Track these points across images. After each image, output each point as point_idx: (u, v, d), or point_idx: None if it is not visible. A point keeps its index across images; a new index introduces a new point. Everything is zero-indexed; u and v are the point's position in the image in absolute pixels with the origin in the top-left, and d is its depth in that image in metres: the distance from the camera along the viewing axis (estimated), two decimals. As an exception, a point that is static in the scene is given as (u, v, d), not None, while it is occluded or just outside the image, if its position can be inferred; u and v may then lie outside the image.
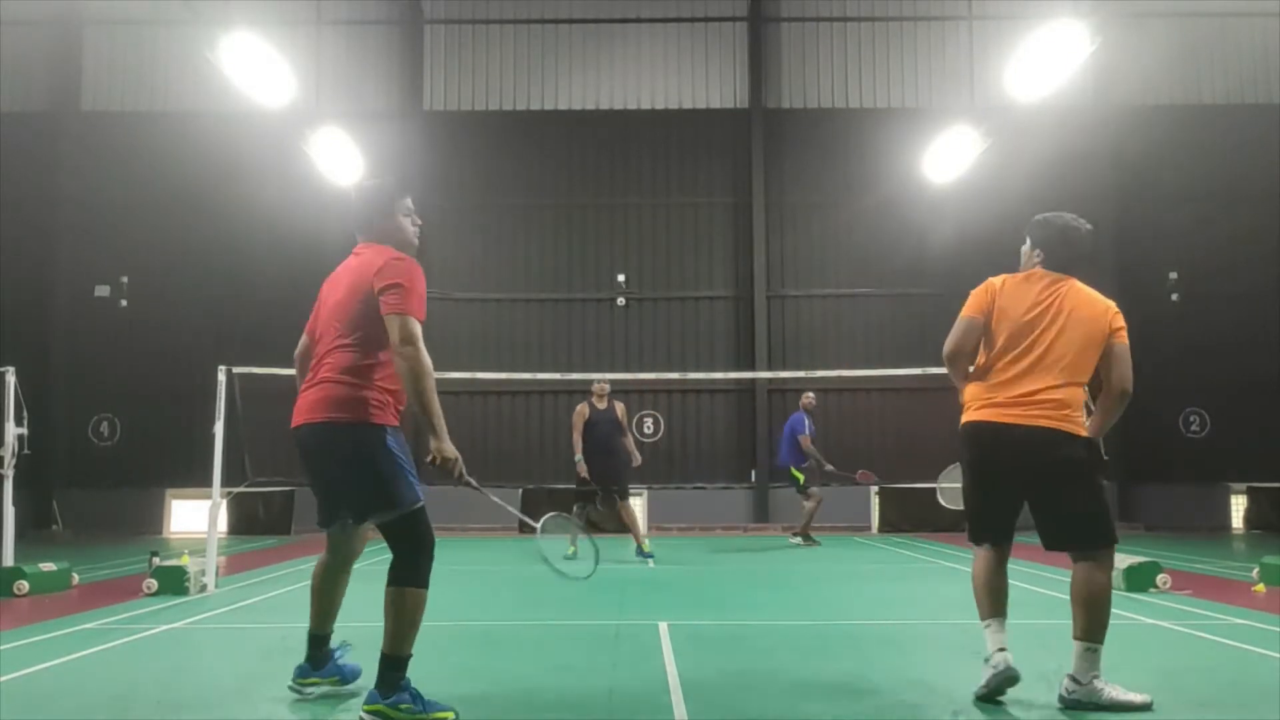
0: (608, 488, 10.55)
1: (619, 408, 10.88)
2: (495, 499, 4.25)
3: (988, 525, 3.85)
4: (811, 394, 13.12)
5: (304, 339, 3.91)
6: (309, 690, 3.87)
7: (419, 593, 3.47)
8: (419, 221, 3.96)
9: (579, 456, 10.56)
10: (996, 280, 3.94)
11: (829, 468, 12.46)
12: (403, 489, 3.51)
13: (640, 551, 10.61)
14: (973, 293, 3.95)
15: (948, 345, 3.92)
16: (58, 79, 18.50)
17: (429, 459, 3.53)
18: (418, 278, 3.53)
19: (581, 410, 10.80)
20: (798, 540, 12.89)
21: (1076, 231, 4.03)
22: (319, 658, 3.91)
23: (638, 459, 10.94)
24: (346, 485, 3.57)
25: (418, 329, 3.44)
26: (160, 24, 18.05)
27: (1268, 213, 17.56)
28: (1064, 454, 3.65)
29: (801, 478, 12.60)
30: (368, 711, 3.39)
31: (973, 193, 16.99)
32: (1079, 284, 3.87)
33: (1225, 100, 18.57)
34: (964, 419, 3.86)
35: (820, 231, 18.46)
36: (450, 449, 3.54)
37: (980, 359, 3.92)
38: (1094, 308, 3.81)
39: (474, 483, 3.73)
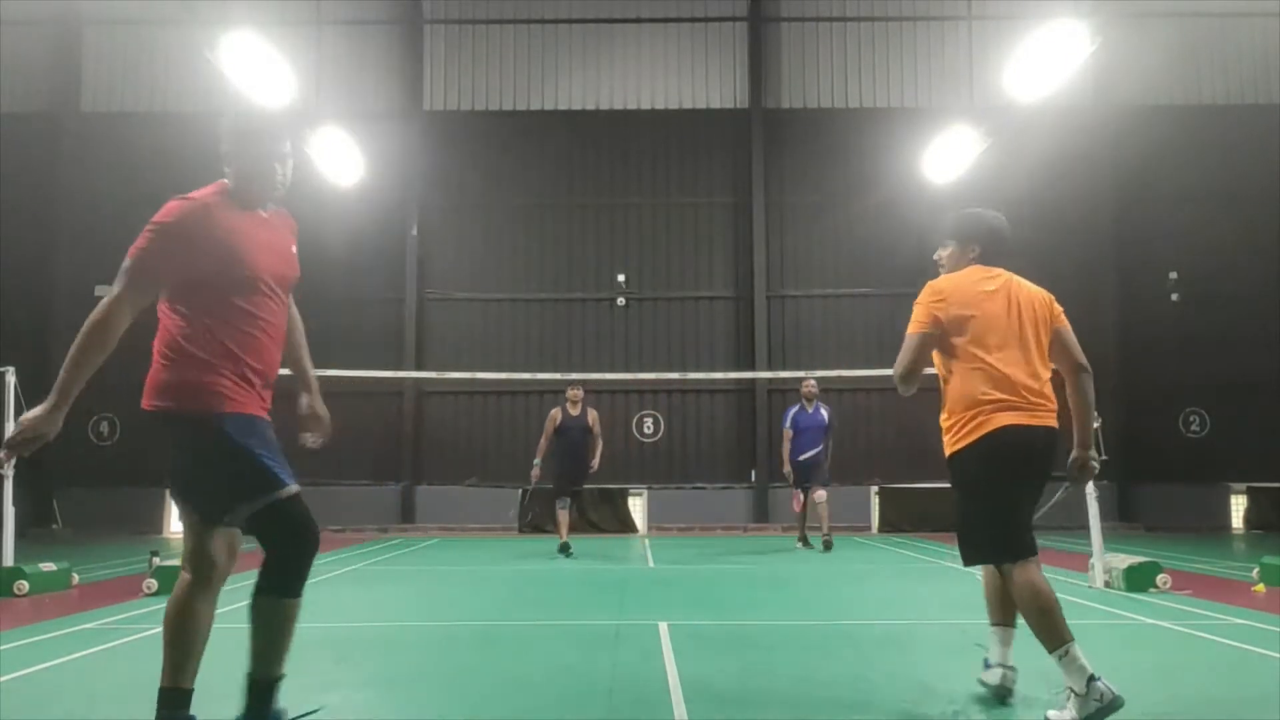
0: (575, 490, 11.13)
1: (591, 414, 11.13)
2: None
3: (1026, 537, 3.49)
4: (813, 381, 12.46)
5: None
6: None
7: (286, 603, 3.10)
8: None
9: (538, 460, 11.01)
10: (939, 283, 3.71)
11: (785, 469, 11.96)
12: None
13: (564, 549, 10.96)
14: (917, 305, 3.66)
15: (901, 365, 3.60)
16: (58, 79, 18.51)
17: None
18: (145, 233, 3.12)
19: (555, 415, 11.11)
20: (798, 545, 12.42)
21: (1005, 225, 3.98)
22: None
23: (595, 467, 11.20)
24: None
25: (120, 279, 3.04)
26: (160, 24, 18.05)
27: (1268, 213, 17.56)
28: (1053, 453, 3.64)
29: (790, 474, 12.08)
30: None
31: (973, 193, 16.95)
32: (1015, 275, 3.77)
33: (1225, 100, 18.58)
34: (984, 426, 3.47)
35: (820, 231, 18.46)
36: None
37: (945, 365, 3.67)
38: (1038, 296, 3.68)
39: None
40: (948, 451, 3.67)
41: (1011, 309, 3.58)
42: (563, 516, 11.11)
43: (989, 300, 3.59)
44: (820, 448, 11.86)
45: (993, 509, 3.51)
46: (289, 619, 3.03)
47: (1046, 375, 3.59)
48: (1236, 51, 18.67)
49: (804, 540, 12.28)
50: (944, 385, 3.70)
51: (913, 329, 3.62)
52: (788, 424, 12.00)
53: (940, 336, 3.60)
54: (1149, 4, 17.73)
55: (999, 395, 3.49)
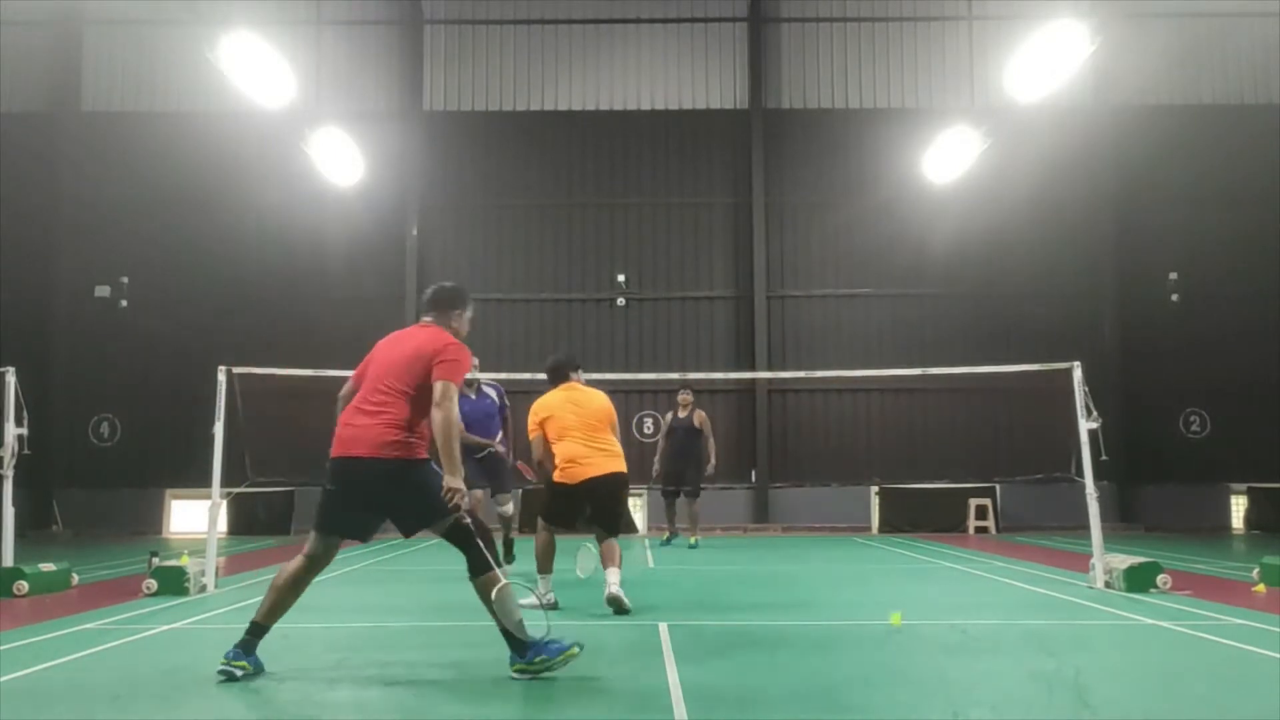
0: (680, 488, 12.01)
1: (700, 415, 11.97)
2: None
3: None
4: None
5: (350, 384, 4.71)
6: (236, 670, 4.11)
7: (497, 577, 4.32)
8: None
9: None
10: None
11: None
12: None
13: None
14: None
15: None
16: (58, 79, 18.49)
17: (444, 493, 4.19)
18: (466, 357, 4.49)
19: (666, 419, 11.87)
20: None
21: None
22: (253, 645, 4.25)
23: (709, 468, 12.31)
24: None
25: (454, 393, 4.27)
26: (160, 24, 18.03)
27: (1268, 213, 17.55)
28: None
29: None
30: (517, 670, 4.16)
31: (973, 193, 16.99)
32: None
33: (1225, 100, 18.57)
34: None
35: (820, 231, 18.46)
36: (458, 483, 4.23)
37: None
38: None
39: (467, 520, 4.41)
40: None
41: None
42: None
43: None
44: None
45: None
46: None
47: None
48: (1236, 51, 18.66)
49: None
50: None
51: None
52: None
53: None
54: (1149, 4, 17.72)
55: None
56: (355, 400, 4.49)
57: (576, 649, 4.21)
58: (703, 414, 12.41)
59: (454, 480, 4.18)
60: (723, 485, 17.99)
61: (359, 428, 4.34)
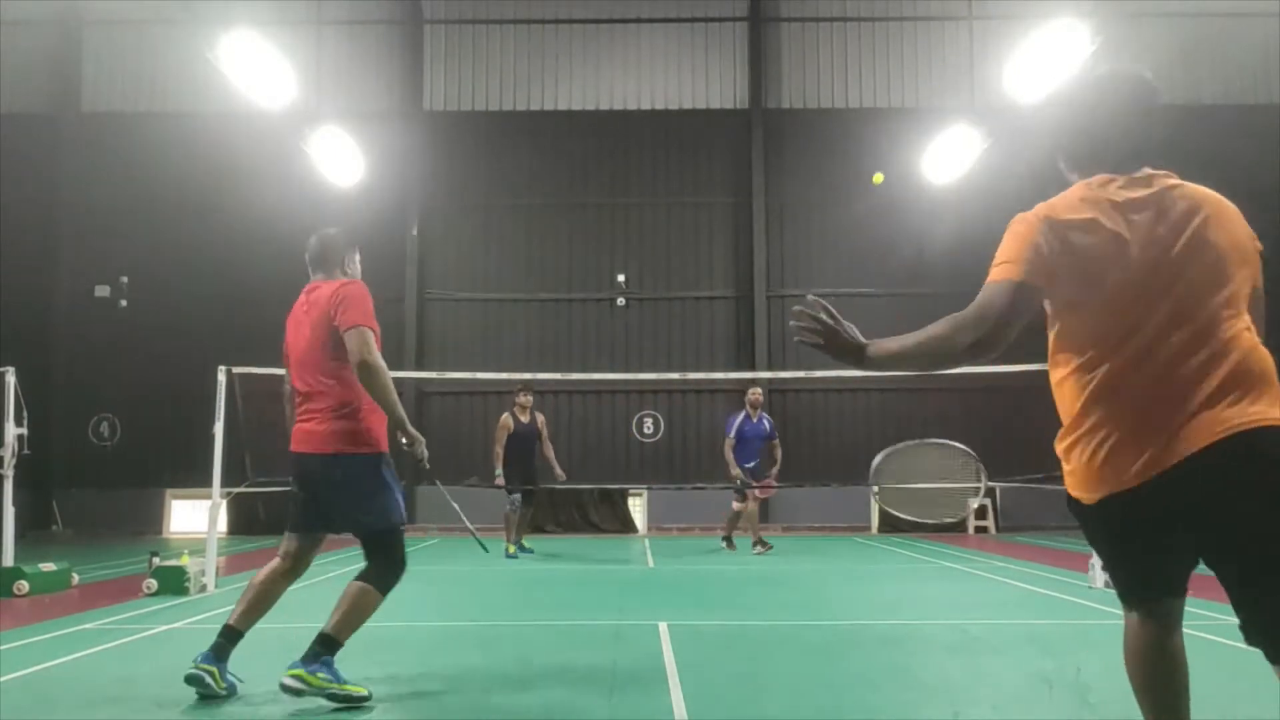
0: (529, 492, 11.35)
1: (540, 419, 11.53)
2: (453, 503, 4.81)
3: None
4: (759, 389, 12.24)
5: (288, 381, 4.33)
6: (205, 675, 3.87)
7: (379, 597, 3.93)
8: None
9: (499, 470, 11.13)
10: (1045, 209, 2.23)
11: (735, 471, 11.60)
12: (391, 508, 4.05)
13: (507, 553, 11.07)
14: (1010, 235, 2.28)
15: (974, 328, 2.17)
16: (58, 79, 18.50)
17: (405, 444, 4.11)
18: (365, 293, 4.00)
19: (506, 423, 11.30)
20: (723, 543, 12.20)
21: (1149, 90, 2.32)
22: (226, 651, 4.01)
23: (560, 474, 11.49)
24: (341, 505, 4.04)
25: (370, 337, 3.87)
26: (160, 24, 18.04)
27: (1268, 213, 17.48)
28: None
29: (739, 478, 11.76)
30: (290, 675, 3.75)
31: (973, 193, 16.98)
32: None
33: (1225, 100, 18.57)
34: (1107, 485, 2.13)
35: (820, 231, 18.46)
36: (414, 433, 4.16)
37: (1064, 353, 2.21)
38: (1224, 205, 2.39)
39: (426, 465, 4.32)
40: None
41: (1176, 242, 2.16)
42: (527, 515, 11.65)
43: (1143, 233, 2.14)
44: (759, 460, 11.93)
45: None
46: (370, 607, 3.98)
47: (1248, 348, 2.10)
48: (1236, 51, 18.66)
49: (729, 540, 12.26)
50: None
51: (1003, 274, 2.19)
52: (730, 432, 11.82)
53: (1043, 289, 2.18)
54: (1149, 4, 17.73)
55: (1149, 408, 2.12)
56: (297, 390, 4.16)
57: (366, 697, 3.82)
58: (542, 417, 11.75)
59: (409, 430, 4.09)
60: (723, 485, 18.00)
61: (303, 421, 4.09)
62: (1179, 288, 2.10)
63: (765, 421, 11.94)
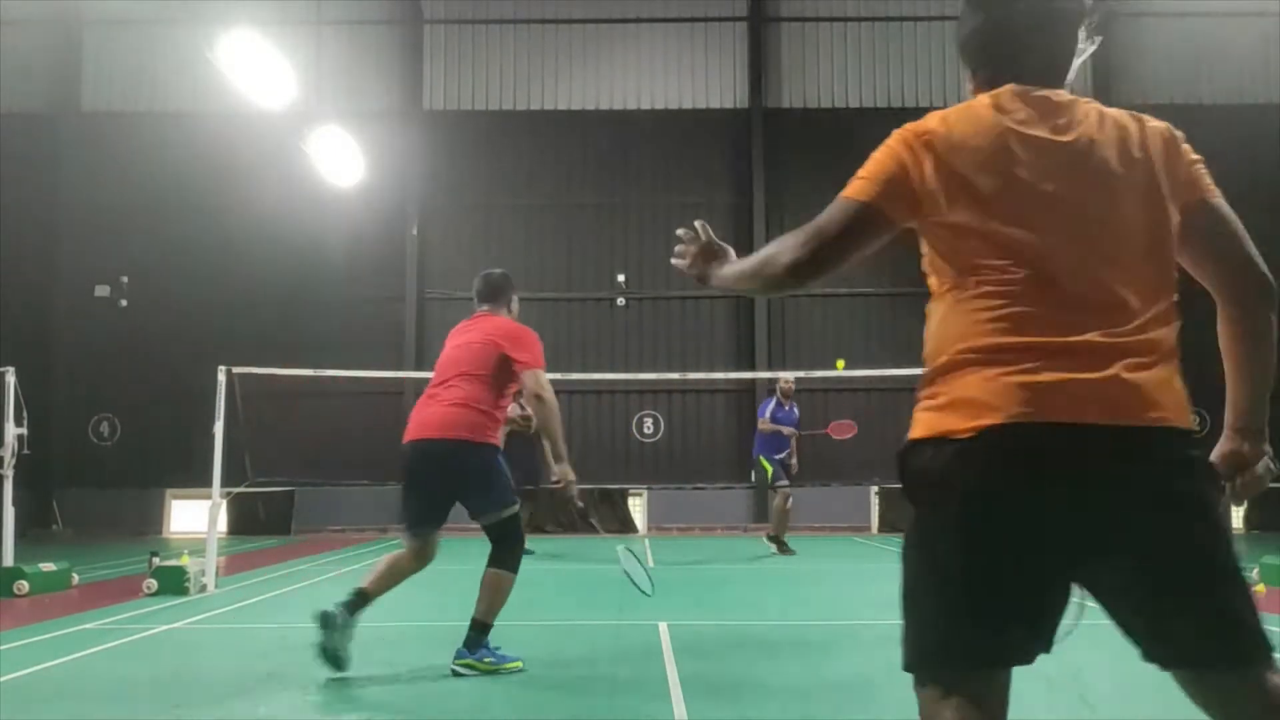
0: (528, 490, 11.36)
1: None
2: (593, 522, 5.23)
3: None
4: (790, 378, 11.81)
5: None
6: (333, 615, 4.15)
7: (511, 577, 4.45)
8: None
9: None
10: (931, 122, 1.80)
11: (788, 456, 11.26)
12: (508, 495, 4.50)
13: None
14: (880, 149, 1.95)
15: (798, 247, 1.90)
16: (58, 79, 18.50)
17: (554, 480, 4.46)
18: (537, 339, 4.63)
19: (512, 413, 11.16)
20: (772, 547, 11.15)
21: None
22: (357, 607, 4.26)
23: (555, 473, 11.30)
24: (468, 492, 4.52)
25: (545, 378, 4.47)
26: (160, 24, 18.04)
27: (1268, 213, 17.52)
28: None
29: (770, 470, 11.20)
30: (460, 665, 4.27)
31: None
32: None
33: (1225, 100, 18.57)
34: (971, 419, 1.57)
35: (820, 231, 18.44)
36: (570, 472, 4.45)
37: (943, 278, 1.85)
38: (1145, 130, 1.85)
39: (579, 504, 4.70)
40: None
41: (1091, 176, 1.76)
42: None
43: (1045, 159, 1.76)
44: (790, 449, 11.44)
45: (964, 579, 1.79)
46: (507, 588, 4.52)
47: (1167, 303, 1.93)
48: (1236, 51, 18.66)
49: (783, 544, 11.23)
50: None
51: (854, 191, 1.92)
52: (765, 414, 11.38)
53: (901, 212, 1.85)
54: (1149, 4, 17.72)
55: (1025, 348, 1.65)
56: (425, 392, 4.64)
57: (520, 664, 4.35)
58: None
59: (563, 469, 4.42)
60: (723, 485, 18.02)
61: (426, 412, 4.52)
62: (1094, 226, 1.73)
63: (795, 410, 11.66)
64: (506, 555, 4.45)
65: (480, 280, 4.95)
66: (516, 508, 4.51)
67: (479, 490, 4.46)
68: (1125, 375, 1.70)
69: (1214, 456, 1.87)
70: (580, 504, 4.73)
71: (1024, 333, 1.61)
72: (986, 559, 1.50)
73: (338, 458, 16.89)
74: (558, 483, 4.43)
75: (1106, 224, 1.71)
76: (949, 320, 1.75)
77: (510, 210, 18.63)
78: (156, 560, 7.68)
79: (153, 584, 7.24)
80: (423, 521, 4.53)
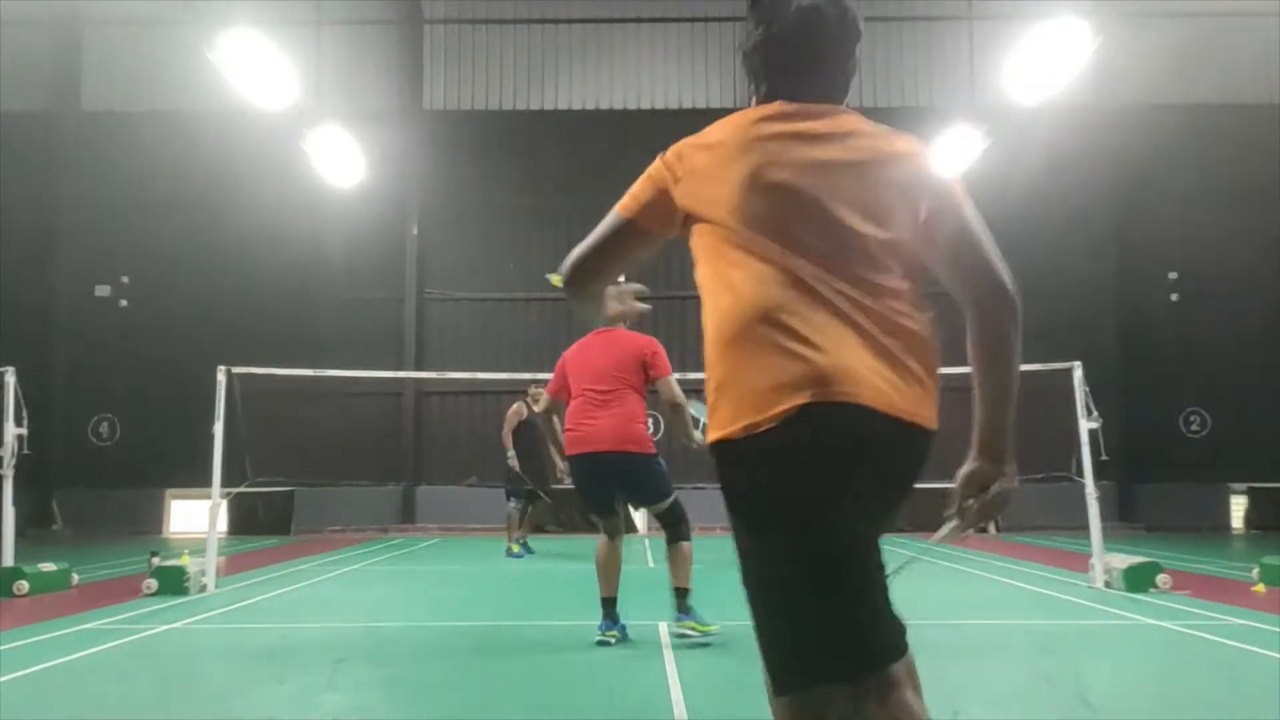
0: (532, 491, 11.49)
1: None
2: None
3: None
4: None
5: (547, 399, 5.84)
6: (610, 639, 5.10)
7: (690, 544, 5.38)
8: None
9: (511, 452, 11.31)
10: (693, 143, 1.89)
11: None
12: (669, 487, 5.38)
13: (509, 552, 11.23)
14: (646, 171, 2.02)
15: (576, 254, 2.11)
16: (58, 79, 18.50)
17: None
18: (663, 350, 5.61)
19: (519, 410, 11.49)
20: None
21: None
22: (613, 614, 5.21)
23: (563, 466, 11.33)
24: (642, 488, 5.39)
25: (677, 385, 5.41)
26: (160, 24, 18.03)
27: (1268, 213, 17.55)
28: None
29: None
30: (684, 628, 5.13)
31: (973, 193, 16.91)
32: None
33: (1225, 100, 18.56)
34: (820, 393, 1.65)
35: (820, 231, 18.44)
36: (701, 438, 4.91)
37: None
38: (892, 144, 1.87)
39: None
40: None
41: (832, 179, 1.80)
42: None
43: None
44: None
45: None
46: (689, 554, 5.45)
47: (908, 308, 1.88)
48: (1236, 51, 18.65)
49: None
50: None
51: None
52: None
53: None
54: (1149, 4, 17.72)
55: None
56: (579, 403, 5.31)
57: (716, 627, 5.11)
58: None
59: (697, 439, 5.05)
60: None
61: (596, 425, 5.17)
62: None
63: None
64: (682, 530, 5.33)
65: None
66: (676, 493, 5.38)
67: (650, 487, 5.35)
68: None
69: (957, 475, 1.90)
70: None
71: None
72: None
73: (338, 458, 16.90)
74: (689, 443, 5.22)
75: (846, 233, 1.75)
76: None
77: (510, 210, 18.62)
78: (156, 560, 7.68)
79: (153, 584, 7.24)
80: (609, 506, 5.32)
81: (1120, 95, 18.48)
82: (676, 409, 5.30)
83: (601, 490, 5.28)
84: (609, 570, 5.27)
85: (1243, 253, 17.59)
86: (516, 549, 11.21)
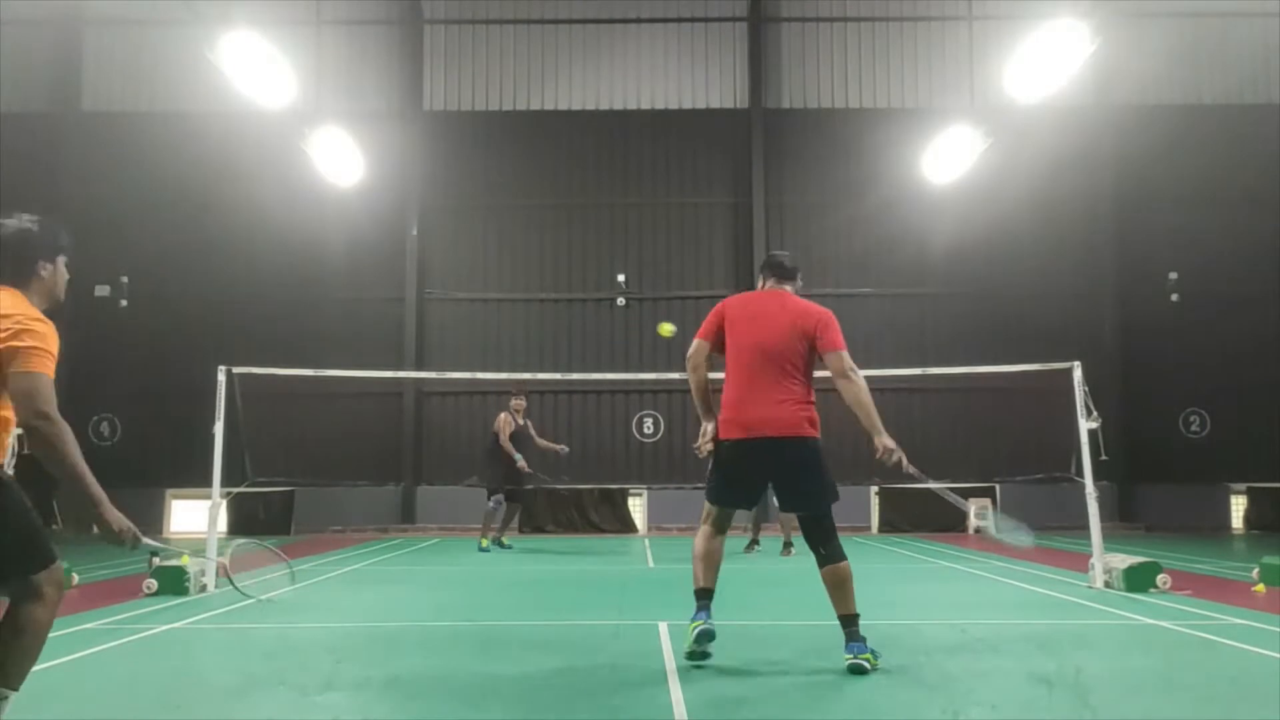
0: (514, 491, 12.07)
1: (529, 423, 12.39)
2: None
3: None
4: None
5: (703, 343, 4.84)
6: (711, 629, 4.51)
7: (847, 563, 4.48)
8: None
9: (519, 456, 11.82)
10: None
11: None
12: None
13: (480, 547, 11.93)
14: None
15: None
16: (58, 79, 18.51)
17: (877, 455, 4.61)
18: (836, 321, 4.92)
19: (509, 420, 11.98)
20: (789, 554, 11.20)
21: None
22: (707, 606, 4.60)
23: (562, 449, 12.71)
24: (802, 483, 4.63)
25: (849, 358, 4.70)
26: (160, 24, 18.05)
27: (1268, 213, 17.56)
28: None
29: None
30: (861, 659, 4.28)
31: (973, 193, 16.99)
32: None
33: (1225, 100, 18.57)
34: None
35: (820, 231, 18.46)
36: (889, 441, 4.59)
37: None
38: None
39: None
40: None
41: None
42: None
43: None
44: None
45: None
46: (849, 575, 4.54)
47: None
48: (1236, 51, 18.66)
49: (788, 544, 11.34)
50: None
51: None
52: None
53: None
54: (1149, 4, 17.72)
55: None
56: (743, 382, 4.62)
57: (879, 656, 4.39)
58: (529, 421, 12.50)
59: (882, 440, 4.55)
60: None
61: (765, 407, 4.54)
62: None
63: None
64: (838, 547, 4.51)
65: (772, 258, 5.18)
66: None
67: (815, 483, 4.59)
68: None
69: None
70: (911, 469, 4.76)
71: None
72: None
73: (338, 458, 16.91)
74: (882, 453, 4.56)
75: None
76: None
77: (510, 210, 18.63)
78: (156, 560, 7.68)
79: (153, 584, 7.24)
80: (741, 503, 4.81)
81: (1120, 95, 18.49)
82: (849, 384, 4.69)
83: (755, 482, 4.74)
84: (710, 561, 4.70)
85: (1243, 253, 17.60)
86: (486, 543, 11.88)
